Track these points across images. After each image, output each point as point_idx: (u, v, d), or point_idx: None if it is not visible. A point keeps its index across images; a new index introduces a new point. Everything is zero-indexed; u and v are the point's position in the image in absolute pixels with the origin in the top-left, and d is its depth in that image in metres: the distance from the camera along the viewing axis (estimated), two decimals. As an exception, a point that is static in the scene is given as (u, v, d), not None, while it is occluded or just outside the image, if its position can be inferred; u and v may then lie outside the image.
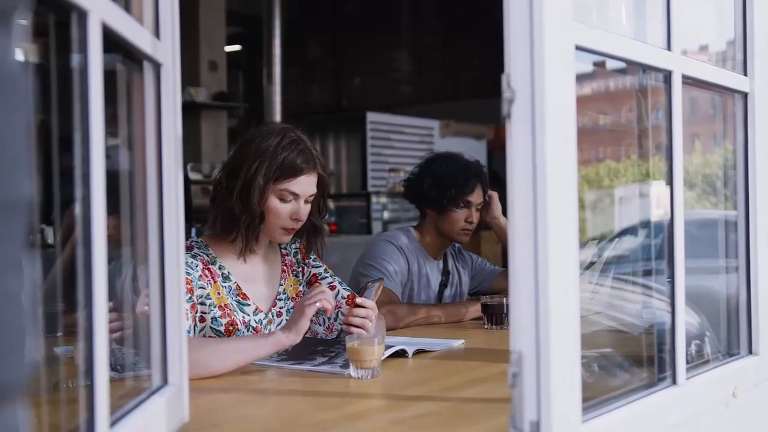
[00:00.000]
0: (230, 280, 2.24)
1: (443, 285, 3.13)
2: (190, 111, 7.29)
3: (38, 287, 0.61)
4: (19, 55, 0.58)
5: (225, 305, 2.20)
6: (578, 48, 1.24)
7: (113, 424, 1.08)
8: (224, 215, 2.21)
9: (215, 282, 2.20)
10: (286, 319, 2.30)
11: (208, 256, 2.23)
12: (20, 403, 0.55)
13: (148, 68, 1.33)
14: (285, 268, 2.39)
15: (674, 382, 1.50)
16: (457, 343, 2.35)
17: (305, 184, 2.21)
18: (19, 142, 0.56)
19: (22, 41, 0.60)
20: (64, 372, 1.36)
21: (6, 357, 0.53)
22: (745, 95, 1.80)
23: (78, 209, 1.00)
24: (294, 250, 2.43)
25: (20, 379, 0.54)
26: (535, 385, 1.16)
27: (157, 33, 1.34)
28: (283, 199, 2.20)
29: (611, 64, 1.55)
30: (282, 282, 2.36)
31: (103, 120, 1.01)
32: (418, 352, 2.18)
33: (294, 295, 2.37)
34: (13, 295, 0.54)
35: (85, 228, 0.99)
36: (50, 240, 2.61)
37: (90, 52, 0.99)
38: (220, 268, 2.24)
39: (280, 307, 2.33)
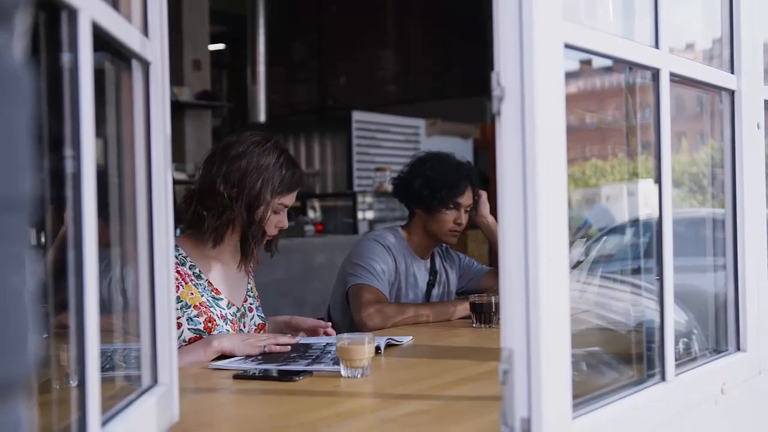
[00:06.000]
0: (202, 278, 2.28)
1: (431, 284, 3.13)
2: (174, 110, 7.19)
3: (40, 284, 0.61)
4: (21, 54, 0.58)
5: (200, 303, 2.23)
6: (567, 46, 1.24)
7: (104, 423, 1.07)
8: (226, 226, 2.25)
9: (186, 282, 2.22)
10: (258, 315, 2.41)
11: (177, 257, 2.24)
12: (23, 401, 0.55)
13: (136, 67, 1.32)
14: (250, 268, 2.47)
15: (663, 378, 1.51)
16: (406, 340, 2.36)
17: (294, 196, 2.33)
18: (22, 140, 0.56)
19: (24, 40, 0.60)
20: (48, 372, 1.35)
21: (10, 354, 0.53)
22: (732, 93, 1.81)
23: (68, 210, 0.99)
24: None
25: (23, 376, 0.54)
26: (525, 382, 1.16)
27: (145, 31, 1.33)
28: (276, 212, 2.28)
29: (597, 63, 1.56)
30: (249, 280, 2.45)
31: (93, 119, 1.01)
32: (388, 346, 2.22)
33: (256, 296, 2.46)
34: (16, 292, 0.54)
35: (76, 229, 0.98)
36: (34, 241, 2.60)
37: (80, 50, 0.98)
38: (190, 268, 2.27)
39: (250, 303, 2.41)
